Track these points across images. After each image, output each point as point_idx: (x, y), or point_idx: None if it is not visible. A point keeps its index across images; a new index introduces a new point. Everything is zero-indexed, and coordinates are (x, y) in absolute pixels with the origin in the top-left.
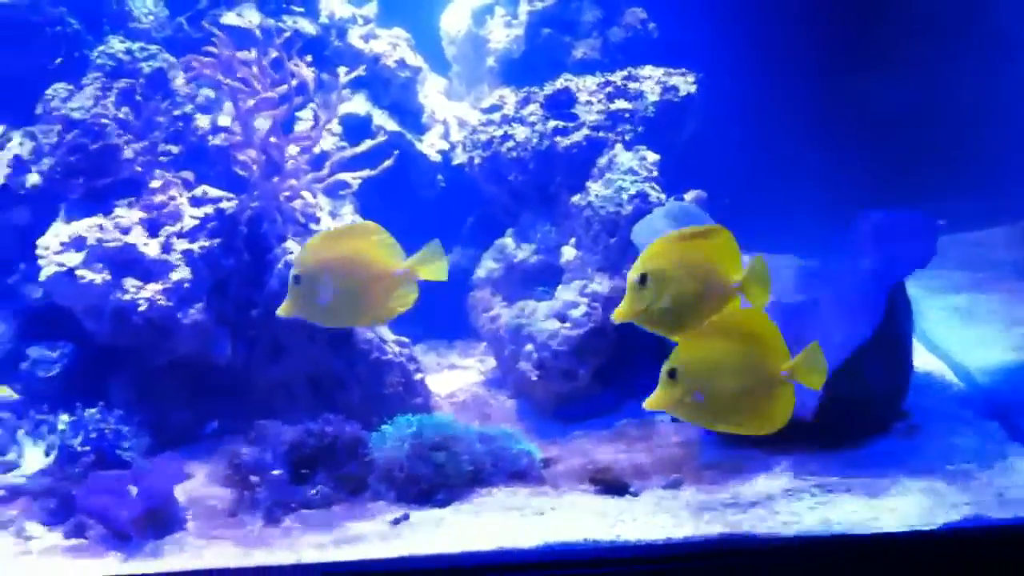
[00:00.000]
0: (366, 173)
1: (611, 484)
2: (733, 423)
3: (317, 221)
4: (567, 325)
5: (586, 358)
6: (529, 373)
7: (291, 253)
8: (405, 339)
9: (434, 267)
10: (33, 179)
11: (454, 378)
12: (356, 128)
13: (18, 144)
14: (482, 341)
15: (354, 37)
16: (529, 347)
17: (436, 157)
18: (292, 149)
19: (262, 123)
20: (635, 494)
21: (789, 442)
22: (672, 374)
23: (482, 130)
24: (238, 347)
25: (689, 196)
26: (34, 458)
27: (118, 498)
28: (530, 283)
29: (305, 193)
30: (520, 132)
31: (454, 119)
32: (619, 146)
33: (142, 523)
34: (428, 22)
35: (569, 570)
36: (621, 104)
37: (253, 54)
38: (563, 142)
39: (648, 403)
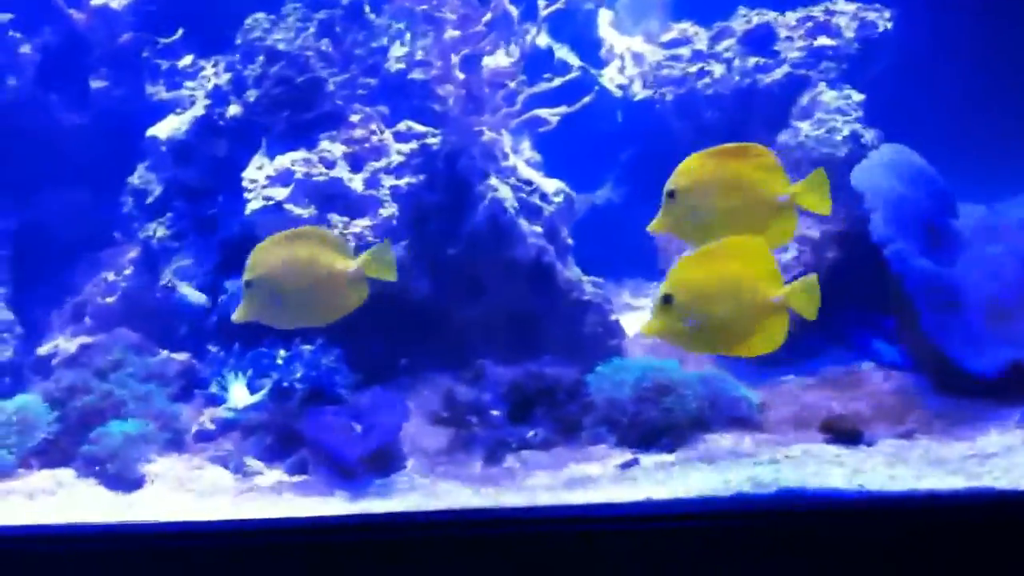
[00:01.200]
0: (564, 109)
1: (844, 433)
2: (726, 347)
3: (506, 158)
4: None
5: None
6: None
7: (496, 190)
8: (599, 279)
9: (382, 266)
10: (233, 110)
11: (635, 319)
12: (536, 61)
13: (212, 74)
14: (653, 281)
15: None
16: None
17: (617, 92)
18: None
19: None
20: (869, 443)
21: (1018, 391)
22: (667, 300)
23: (671, 65)
24: (436, 283)
25: None
26: (240, 392)
27: (344, 435)
28: None
29: (503, 132)
30: (717, 69)
31: (628, 53)
32: (822, 84)
33: (369, 461)
34: None
35: (812, 519)
36: (823, 41)
37: None
38: (764, 80)
39: (643, 328)
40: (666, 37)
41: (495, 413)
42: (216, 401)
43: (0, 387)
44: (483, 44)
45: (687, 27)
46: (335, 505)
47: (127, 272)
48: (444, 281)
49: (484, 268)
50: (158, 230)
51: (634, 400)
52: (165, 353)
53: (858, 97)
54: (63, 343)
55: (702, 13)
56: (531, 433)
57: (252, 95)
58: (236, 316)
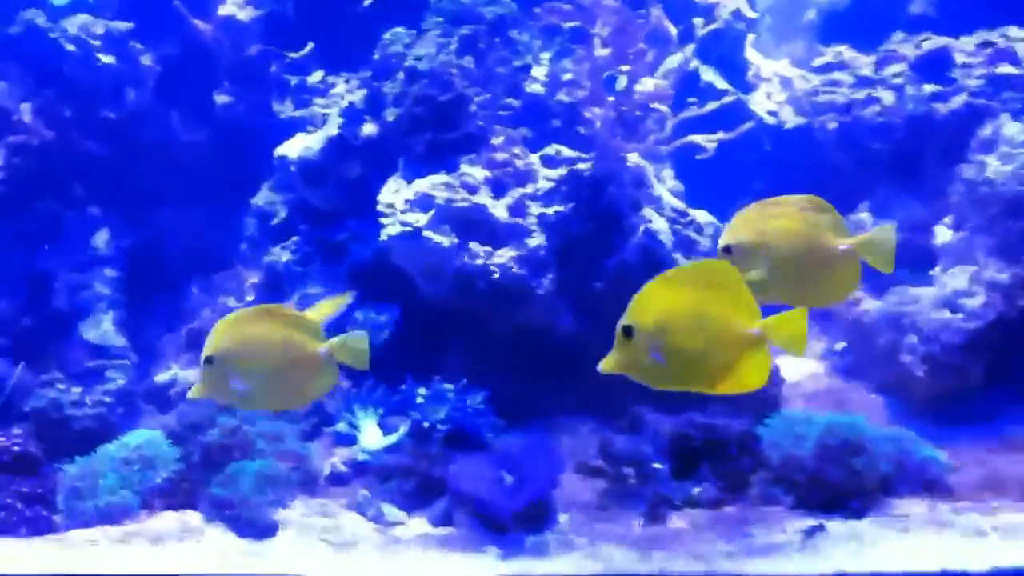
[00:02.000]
0: (721, 136)
1: None
2: (697, 385)
3: (653, 186)
4: (959, 316)
5: (980, 353)
6: (913, 368)
7: (651, 221)
8: None
9: (355, 352)
10: (368, 129)
11: (788, 364)
12: (681, 84)
13: (345, 91)
14: (815, 323)
15: None
16: (912, 338)
17: (769, 119)
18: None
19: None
20: None
21: None
22: (628, 331)
23: (829, 91)
24: (580, 320)
25: None
26: (372, 432)
27: (495, 486)
28: None
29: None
30: (886, 96)
31: (776, 77)
32: (1005, 116)
33: (522, 516)
34: None
35: None
36: (1006, 68)
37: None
38: (941, 109)
39: (603, 365)
40: (819, 62)
41: (658, 466)
42: (345, 440)
43: (114, 418)
44: (637, 64)
45: (842, 51)
46: (487, 565)
47: (249, 298)
48: (590, 318)
49: None
50: (283, 254)
51: (815, 458)
52: None
53: None
54: (181, 373)
55: (849, 36)
56: (697, 490)
57: (392, 114)
58: (191, 394)
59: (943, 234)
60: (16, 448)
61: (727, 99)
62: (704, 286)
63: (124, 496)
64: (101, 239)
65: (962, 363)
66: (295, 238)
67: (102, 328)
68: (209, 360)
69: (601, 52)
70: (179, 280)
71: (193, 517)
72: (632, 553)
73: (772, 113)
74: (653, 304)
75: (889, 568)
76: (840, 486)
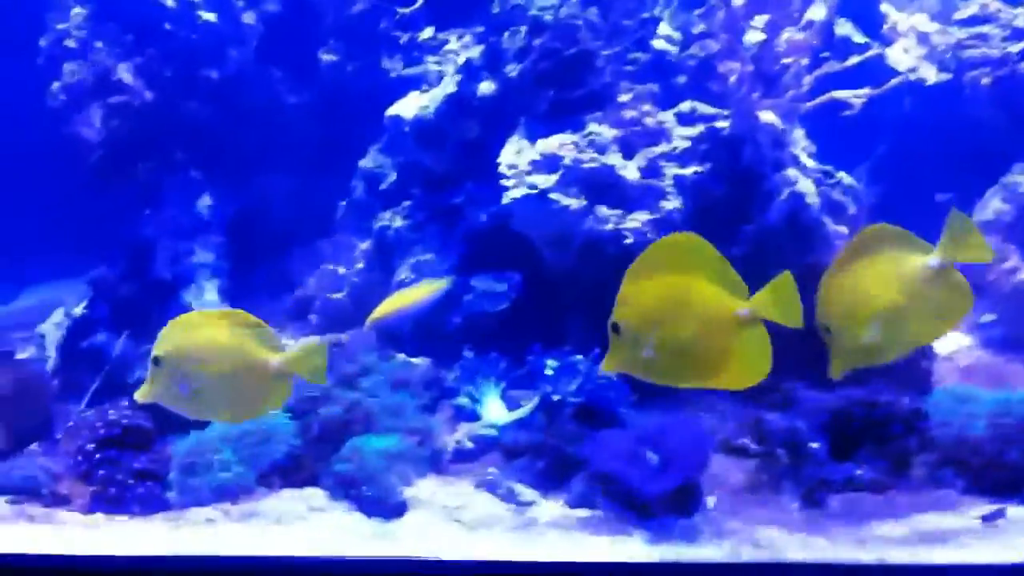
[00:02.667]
0: (868, 91)
1: None
2: (701, 378)
3: (793, 146)
4: None
5: None
6: None
7: (796, 183)
8: None
9: (311, 366)
10: (487, 87)
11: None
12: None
13: (460, 47)
14: None
15: None
16: None
17: (909, 76)
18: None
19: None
20: None
21: None
22: (615, 329)
23: (975, 45)
24: None
25: None
26: (495, 406)
27: (638, 464)
28: None
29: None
30: None
31: (913, 32)
32: None
33: (670, 497)
34: None
35: None
36: None
37: None
38: None
39: (602, 366)
40: (962, 14)
41: (814, 446)
42: (467, 416)
43: None
44: (776, 15)
45: (989, 2)
46: (636, 549)
47: (359, 266)
48: None
49: (777, 273)
50: (395, 219)
51: (994, 439)
52: (402, 357)
53: None
54: (291, 343)
55: None
56: (858, 471)
57: (513, 70)
58: (138, 396)
59: None
60: (126, 421)
61: (870, 53)
62: (681, 268)
63: (240, 473)
64: (203, 205)
65: None
66: (407, 202)
67: (205, 297)
68: (156, 360)
69: (737, 2)
70: (283, 247)
71: (315, 495)
72: (792, 538)
73: (912, 69)
74: (634, 296)
75: None
76: (1019, 468)
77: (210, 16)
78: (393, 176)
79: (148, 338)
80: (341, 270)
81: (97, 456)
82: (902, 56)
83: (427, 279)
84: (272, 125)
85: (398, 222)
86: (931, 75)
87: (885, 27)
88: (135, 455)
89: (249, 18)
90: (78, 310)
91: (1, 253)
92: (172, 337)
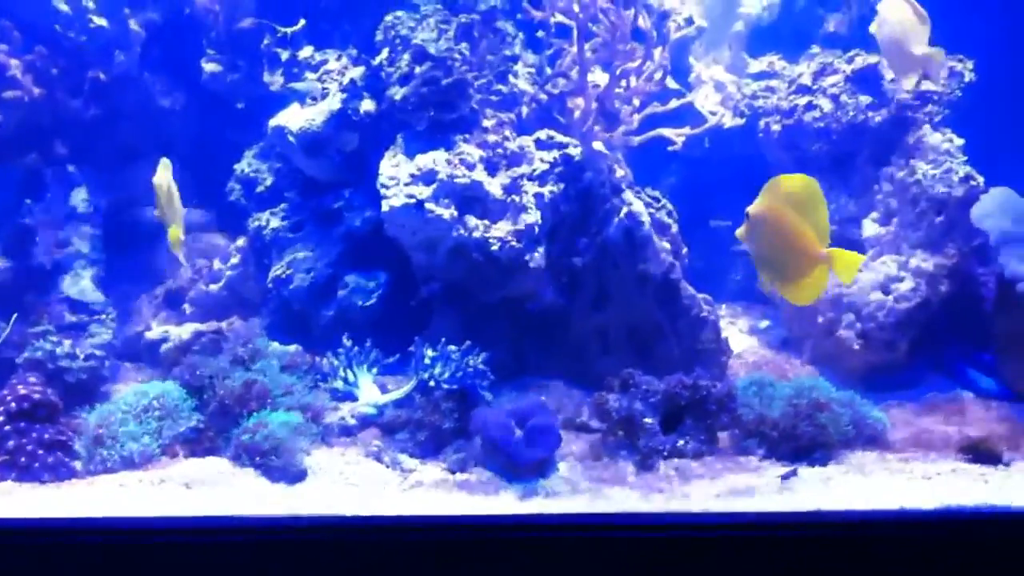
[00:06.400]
0: (687, 131)
1: (984, 454)
2: (774, 279)
3: (623, 173)
4: (891, 298)
5: (906, 331)
6: (850, 342)
7: (631, 204)
8: (709, 296)
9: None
10: (367, 106)
11: (733, 338)
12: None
13: (339, 66)
14: (738, 303)
15: None
16: (850, 316)
17: (711, 119)
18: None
19: (598, 73)
20: (1007, 464)
21: None
22: (745, 216)
23: (766, 96)
24: (562, 292)
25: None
26: (370, 388)
27: (510, 436)
28: None
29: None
30: (825, 103)
31: (711, 81)
32: (927, 127)
33: (533, 464)
34: None
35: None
36: (928, 85)
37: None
38: (875, 118)
39: (737, 232)
40: (754, 68)
41: (649, 421)
42: (343, 397)
43: (103, 371)
44: (633, 64)
45: (774, 60)
46: (509, 504)
47: (233, 260)
48: (568, 289)
49: (613, 279)
50: (271, 220)
51: (787, 415)
52: (276, 345)
53: (959, 141)
54: (174, 330)
55: (766, 48)
56: (682, 442)
57: (397, 92)
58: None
59: (871, 227)
60: (37, 396)
61: (689, 98)
62: (804, 200)
63: (147, 443)
64: (79, 197)
65: (893, 338)
66: (284, 205)
67: (81, 284)
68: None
69: (590, 46)
70: (153, 240)
71: (222, 464)
72: (634, 493)
73: (712, 113)
74: (766, 200)
75: (860, 506)
76: (810, 438)
77: (101, 21)
78: (269, 180)
79: (34, 321)
80: (216, 264)
81: (7, 428)
82: (704, 101)
83: None
84: (149, 126)
85: (275, 223)
86: (728, 119)
87: (691, 76)
88: (44, 428)
89: (136, 25)
90: None
91: None
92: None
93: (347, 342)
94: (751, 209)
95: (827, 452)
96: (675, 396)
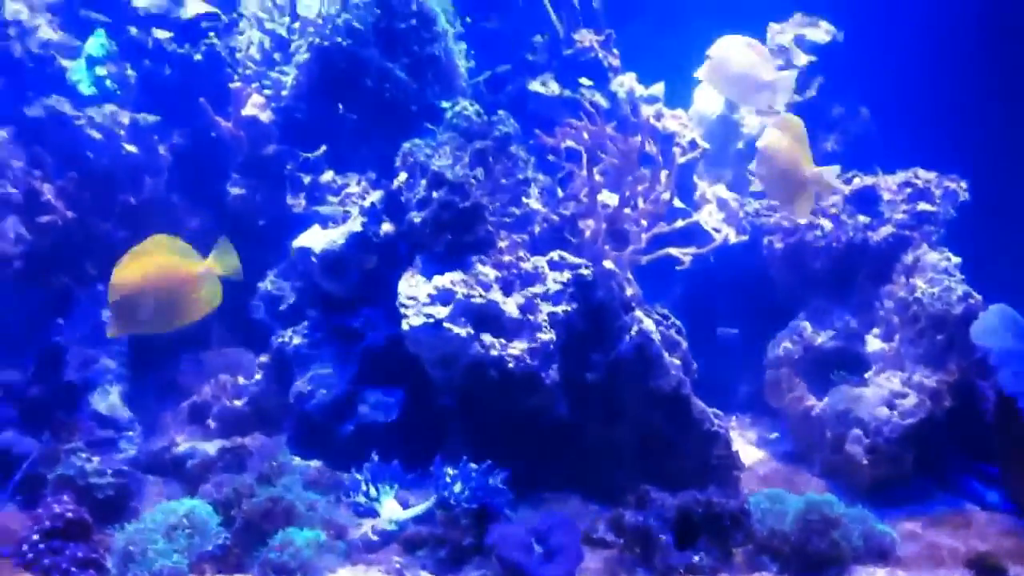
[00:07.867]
0: (694, 250)
1: (991, 569)
2: (783, 200)
3: (634, 291)
4: (896, 413)
5: (912, 445)
6: (858, 456)
7: (642, 322)
8: (719, 412)
9: (228, 264)
10: (386, 227)
11: (743, 451)
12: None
13: (359, 190)
14: (747, 414)
15: (648, 114)
16: (857, 431)
17: (717, 236)
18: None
19: (606, 194)
20: None
21: None
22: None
23: (768, 215)
24: (575, 407)
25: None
26: (391, 505)
27: (531, 555)
28: (825, 367)
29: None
30: (826, 223)
31: (714, 198)
32: (925, 245)
33: None
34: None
35: None
36: (924, 206)
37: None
38: (874, 237)
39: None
40: (756, 187)
41: (663, 538)
42: (365, 513)
43: (130, 487)
44: (641, 187)
45: None
46: None
47: (257, 377)
48: (581, 404)
49: (625, 395)
50: (294, 337)
51: (800, 531)
52: (298, 460)
53: (956, 259)
54: (201, 445)
55: None
56: (696, 558)
57: (416, 216)
58: (109, 333)
59: (873, 343)
60: (70, 514)
61: (694, 218)
62: (799, 133)
63: (176, 560)
64: (108, 315)
65: (899, 453)
66: (306, 322)
67: (109, 399)
68: (117, 304)
69: (599, 168)
70: (169, 357)
71: None
72: None
73: (716, 230)
74: (773, 134)
75: None
76: (821, 554)
77: (132, 148)
78: (292, 298)
79: (64, 437)
80: (241, 380)
81: (41, 546)
82: (708, 219)
83: None
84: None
85: (297, 340)
86: (732, 236)
87: (696, 194)
88: (78, 546)
89: (163, 150)
90: None
91: None
92: (121, 279)
93: (374, 457)
94: (760, 143)
95: (840, 568)
96: (689, 513)
